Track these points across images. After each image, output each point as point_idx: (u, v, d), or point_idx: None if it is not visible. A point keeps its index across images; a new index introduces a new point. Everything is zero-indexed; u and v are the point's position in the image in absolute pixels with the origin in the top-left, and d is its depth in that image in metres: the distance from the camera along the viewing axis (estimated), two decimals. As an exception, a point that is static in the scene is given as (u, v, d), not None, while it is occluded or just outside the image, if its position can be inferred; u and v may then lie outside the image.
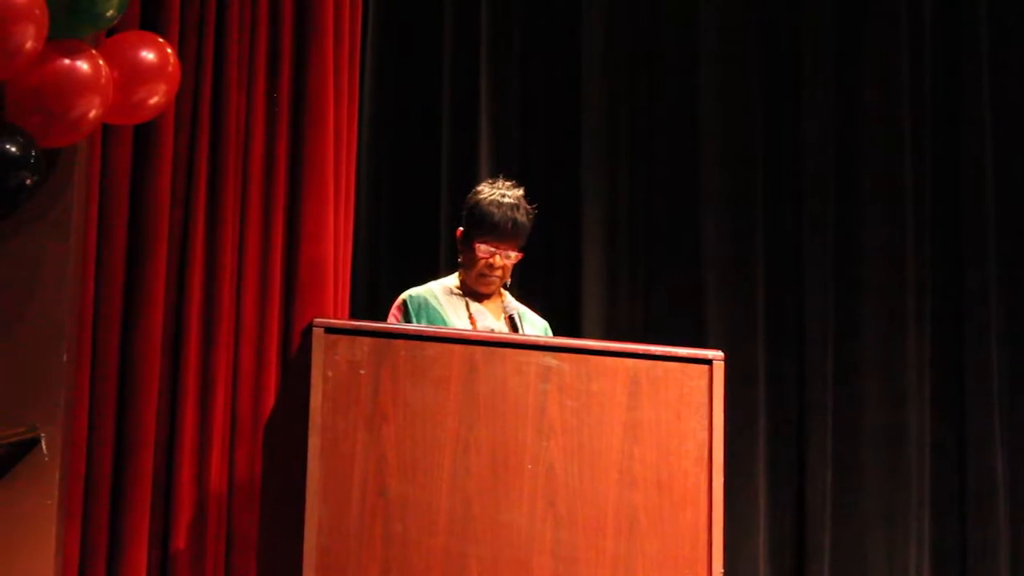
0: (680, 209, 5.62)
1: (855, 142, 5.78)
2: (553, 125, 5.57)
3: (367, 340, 3.38)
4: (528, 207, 4.17)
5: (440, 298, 4.19)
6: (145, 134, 4.47)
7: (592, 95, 5.54)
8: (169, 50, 4.12)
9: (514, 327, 4.09)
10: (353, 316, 4.86)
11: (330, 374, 3.34)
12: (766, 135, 5.73)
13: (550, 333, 4.26)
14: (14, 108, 3.83)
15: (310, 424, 3.31)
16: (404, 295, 4.22)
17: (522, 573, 3.37)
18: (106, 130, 4.37)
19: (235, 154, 4.62)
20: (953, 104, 5.86)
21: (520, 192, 4.18)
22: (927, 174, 5.82)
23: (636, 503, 3.46)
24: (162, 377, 4.46)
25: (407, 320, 4.14)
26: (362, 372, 3.36)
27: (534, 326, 4.24)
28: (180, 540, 4.41)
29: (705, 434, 3.52)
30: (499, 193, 4.15)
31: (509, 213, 4.11)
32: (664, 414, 3.51)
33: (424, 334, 3.50)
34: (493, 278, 4.16)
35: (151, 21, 4.45)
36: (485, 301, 4.22)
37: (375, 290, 5.22)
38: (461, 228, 4.21)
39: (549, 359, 3.47)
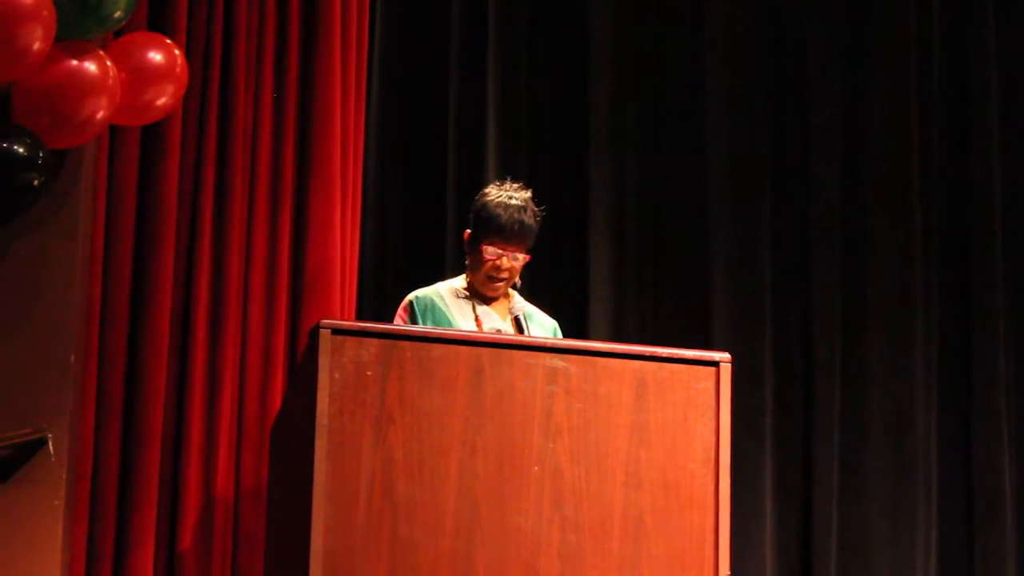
0: (687, 210, 5.61)
1: (863, 142, 5.77)
2: (561, 125, 5.56)
3: (374, 341, 3.38)
4: (535, 209, 4.17)
5: (446, 299, 4.19)
6: (152, 135, 4.47)
7: (599, 95, 5.53)
8: (177, 51, 4.13)
9: (520, 328, 4.08)
10: (360, 317, 4.86)
11: (337, 375, 3.34)
12: (773, 135, 5.72)
13: (559, 334, 4.26)
14: (22, 109, 3.84)
15: (317, 425, 3.31)
16: (410, 296, 4.22)
17: (529, 575, 3.37)
18: (113, 131, 4.37)
19: (242, 155, 4.63)
20: (961, 105, 5.85)
21: (527, 194, 4.18)
22: (935, 174, 5.81)
23: (643, 505, 3.45)
24: (169, 378, 4.46)
25: (413, 321, 4.14)
26: (369, 374, 3.36)
27: (542, 327, 4.23)
28: (187, 541, 4.41)
29: (712, 436, 3.52)
30: (506, 195, 4.14)
31: (516, 215, 4.11)
32: (671, 416, 3.50)
33: (431, 336, 3.50)
34: (500, 281, 4.15)
35: (159, 22, 4.46)
36: (492, 303, 4.22)
37: (382, 291, 5.21)
38: (468, 230, 4.20)
39: (556, 361, 3.46)
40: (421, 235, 5.33)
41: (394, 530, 3.32)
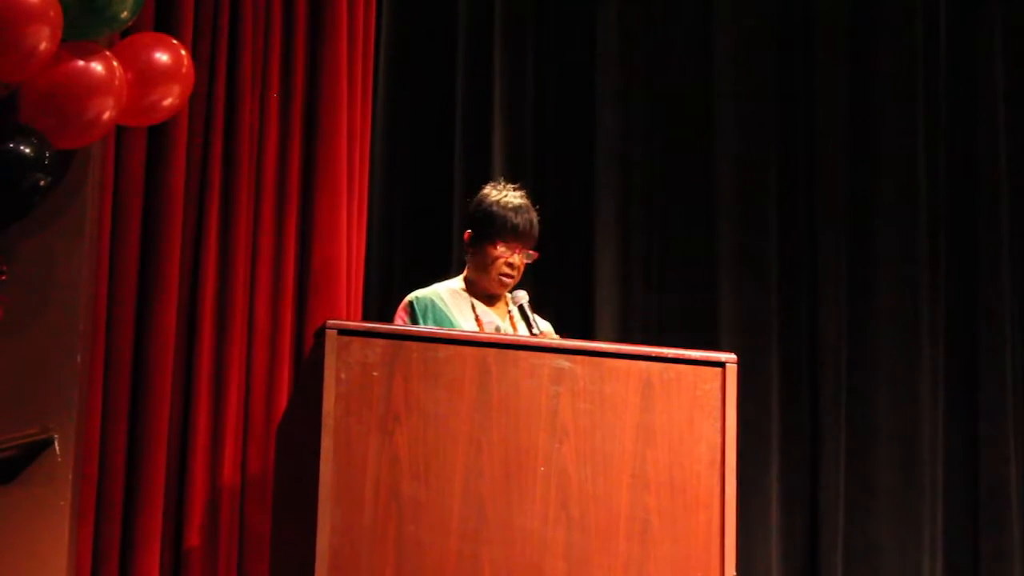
0: (693, 211, 5.61)
1: (869, 145, 5.76)
2: (567, 126, 5.56)
3: (380, 342, 3.39)
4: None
5: (446, 299, 4.21)
6: (159, 135, 4.48)
7: (606, 96, 5.53)
8: (183, 51, 4.12)
9: (524, 315, 4.08)
10: (366, 316, 4.86)
11: (343, 376, 3.34)
12: (779, 137, 5.72)
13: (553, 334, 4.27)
14: (29, 109, 3.84)
15: (323, 426, 3.31)
16: (410, 296, 4.23)
17: (535, 575, 3.37)
18: (120, 131, 4.37)
19: (248, 155, 4.63)
20: (968, 103, 5.85)
21: (524, 193, 4.23)
22: (941, 175, 5.80)
23: (649, 506, 3.46)
24: (175, 377, 4.47)
25: (414, 322, 4.15)
26: (375, 374, 3.36)
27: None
28: (193, 540, 4.42)
29: (718, 437, 3.52)
30: (510, 196, 4.18)
31: (526, 214, 4.16)
32: (677, 417, 3.50)
33: (437, 336, 3.51)
34: (511, 278, 4.19)
35: (165, 22, 4.46)
36: (491, 302, 4.24)
37: (388, 290, 5.21)
38: (469, 231, 4.22)
39: (562, 361, 3.47)
40: (427, 234, 5.34)
41: (400, 530, 3.33)
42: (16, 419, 3.91)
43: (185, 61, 4.11)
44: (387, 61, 5.33)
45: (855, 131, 5.77)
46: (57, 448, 3.90)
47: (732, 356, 3.57)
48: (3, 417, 3.90)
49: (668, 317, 5.54)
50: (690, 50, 5.68)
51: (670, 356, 3.54)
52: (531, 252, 4.18)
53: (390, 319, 4.28)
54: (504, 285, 4.20)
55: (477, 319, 4.18)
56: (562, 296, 5.33)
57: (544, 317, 4.23)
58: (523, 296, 4.14)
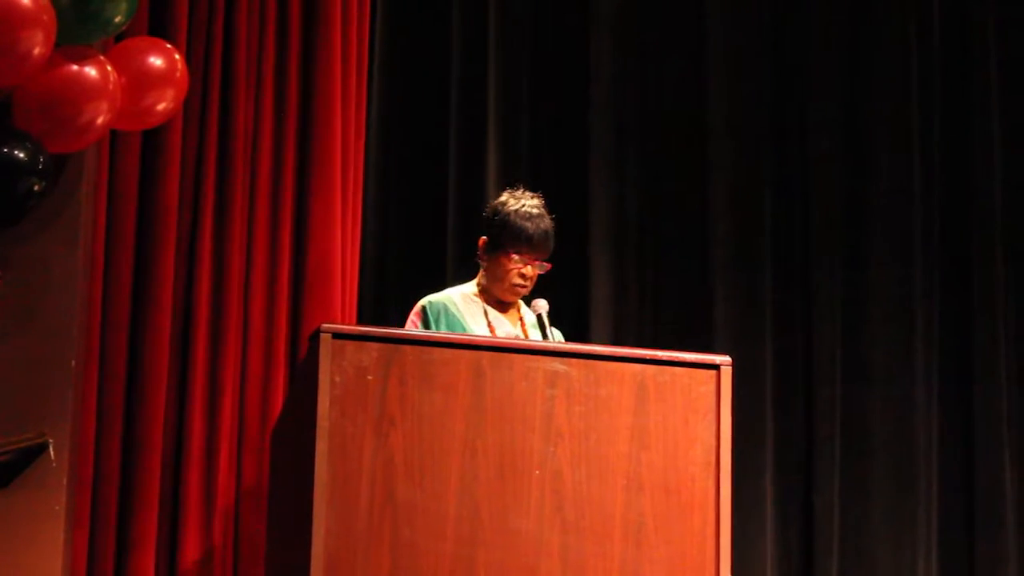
0: (687, 213, 5.61)
1: (863, 148, 5.77)
2: (561, 129, 5.56)
3: (375, 345, 3.39)
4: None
5: (459, 304, 4.21)
6: (153, 140, 4.48)
7: (600, 99, 5.53)
8: (177, 56, 4.13)
9: (541, 324, 4.09)
10: (361, 318, 4.86)
11: (338, 379, 3.34)
12: (773, 139, 5.73)
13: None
14: (22, 114, 3.84)
15: (318, 429, 3.31)
16: (423, 301, 4.24)
17: (530, 578, 3.37)
18: (114, 136, 4.37)
19: (243, 159, 4.63)
20: (962, 101, 5.85)
21: (541, 201, 4.22)
22: (935, 175, 5.81)
23: (644, 508, 3.46)
24: (170, 381, 4.47)
25: (426, 326, 4.16)
26: (370, 378, 3.37)
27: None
28: (188, 545, 4.41)
29: (713, 439, 3.52)
30: (526, 204, 4.19)
31: (543, 225, 4.17)
32: (672, 419, 3.51)
33: (432, 339, 3.51)
34: (524, 287, 4.21)
35: (159, 26, 4.46)
36: (504, 309, 4.24)
37: (382, 292, 5.22)
38: (484, 238, 4.22)
39: (557, 364, 3.47)
40: (422, 236, 5.34)
41: (395, 533, 3.33)
42: (10, 424, 3.91)
43: (179, 65, 4.11)
44: (381, 63, 5.33)
45: (849, 135, 5.77)
46: (52, 453, 3.90)
47: (727, 358, 3.57)
48: (-3, 421, 3.90)
49: (662, 320, 5.54)
50: (684, 59, 5.68)
51: (665, 359, 3.54)
52: (544, 264, 4.20)
53: (384, 320, 4.29)
54: (516, 294, 4.23)
55: (490, 325, 4.19)
56: (557, 300, 5.31)
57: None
58: (544, 306, 4.14)
